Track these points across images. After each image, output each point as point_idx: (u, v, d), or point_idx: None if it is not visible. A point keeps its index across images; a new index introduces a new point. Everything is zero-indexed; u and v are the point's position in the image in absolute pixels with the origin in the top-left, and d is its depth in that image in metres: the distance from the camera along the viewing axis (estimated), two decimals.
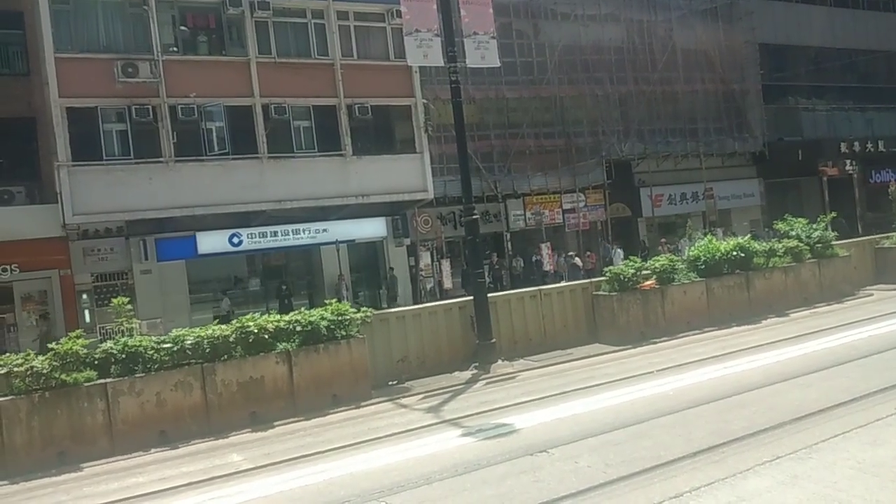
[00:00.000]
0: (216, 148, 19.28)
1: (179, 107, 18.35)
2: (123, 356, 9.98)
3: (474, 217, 14.30)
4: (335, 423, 10.18)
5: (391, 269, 22.67)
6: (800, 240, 17.74)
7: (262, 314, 11.36)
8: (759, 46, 31.67)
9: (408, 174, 21.45)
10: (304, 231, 20.96)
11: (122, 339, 10.22)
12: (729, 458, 6.77)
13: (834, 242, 18.32)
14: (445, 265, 22.84)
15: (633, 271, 14.96)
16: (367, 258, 23.67)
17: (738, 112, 31.26)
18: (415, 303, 20.58)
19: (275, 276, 22.68)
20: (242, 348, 10.68)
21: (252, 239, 20.41)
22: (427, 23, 14.02)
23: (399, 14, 16.51)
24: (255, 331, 10.72)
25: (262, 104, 19.51)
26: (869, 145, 33.91)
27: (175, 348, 10.22)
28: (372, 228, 22.46)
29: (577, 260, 24.43)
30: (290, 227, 20.72)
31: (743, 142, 31.15)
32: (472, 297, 13.88)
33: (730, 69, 31.08)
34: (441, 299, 19.07)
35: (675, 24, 29.89)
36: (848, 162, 34.54)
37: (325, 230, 21.19)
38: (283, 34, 20.26)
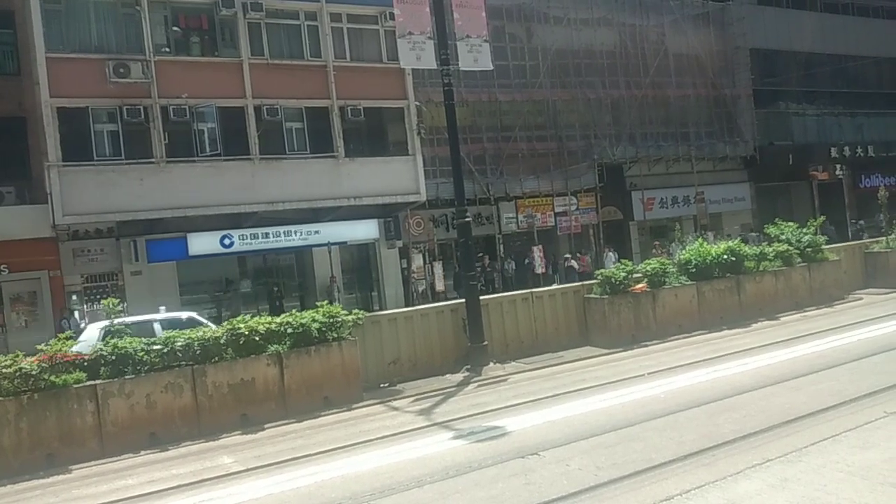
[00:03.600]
0: (208, 149, 19.23)
1: (171, 107, 18.32)
2: (113, 358, 9.92)
3: (466, 219, 14.31)
4: (326, 425, 10.15)
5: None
6: (790, 244, 17.80)
7: (252, 316, 11.33)
8: (751, 51, 31.89)
9: (400, 176, 21.47)
10: (295, 233, 20.91)
11: (112, 341, 10.16)
12: (719, 461, 6.78)
13: (824, 246, 18.43)
14: (437, 267, 22.81)
15: (624, 274, 14.97)
16: (359, 260, 23.64)
17: (729, 116, 31.44)
18: (407, 305, 20.57)
19: (266, 277, 22.61)
20: (233, 350, 10.64)
21: (243, 240, 20.33)
22: (420, 25, 14.03)
23: (392, 16, 16.53)
24: (246, 332, 10.68)
25: (255, 105, 19.49)
26: (859, 150, 34.21)
27: (165, 350, 10.17)
28: (364, 230, 22.43)
29: (574, 262, 24.47)
30: (281, 229, 20.66)
31: (734, 146, 31.32)
32: (463, 300, 13.88)
33: (721, 74, 31.29)
34: (433, 301, 19.05)
35: (667, 29, 30.04)
36: (838, 167, 34.84)
37: (316, 232, 21.14)
38: (276, 36, 20.26)
